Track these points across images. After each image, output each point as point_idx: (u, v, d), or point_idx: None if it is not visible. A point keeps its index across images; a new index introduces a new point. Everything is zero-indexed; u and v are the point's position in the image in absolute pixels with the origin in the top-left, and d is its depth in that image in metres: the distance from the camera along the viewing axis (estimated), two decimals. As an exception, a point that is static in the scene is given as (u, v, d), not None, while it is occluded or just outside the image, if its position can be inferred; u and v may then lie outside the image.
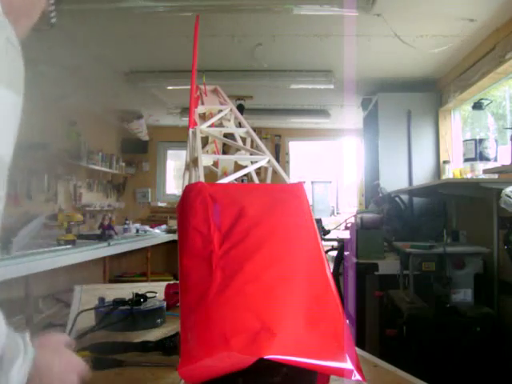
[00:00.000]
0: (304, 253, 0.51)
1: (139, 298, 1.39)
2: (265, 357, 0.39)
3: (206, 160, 0.69)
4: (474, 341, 2.10)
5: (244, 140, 0.88)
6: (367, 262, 2.76)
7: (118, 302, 1.38)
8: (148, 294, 1.46)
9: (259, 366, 0.39)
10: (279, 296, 0.46)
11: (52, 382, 0.69)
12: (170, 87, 4.28)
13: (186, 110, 5.29)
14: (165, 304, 1.45)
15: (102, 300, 1.43)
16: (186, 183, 0.67)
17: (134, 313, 1.34)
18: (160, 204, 6.56)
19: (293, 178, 6.11)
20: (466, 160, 2.70)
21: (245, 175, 0.71)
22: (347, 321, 0.48)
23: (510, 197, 1.82)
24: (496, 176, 2.37)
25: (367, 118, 4.48)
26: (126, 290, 1.76)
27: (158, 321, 1.40)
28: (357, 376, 0.42)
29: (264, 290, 0.46)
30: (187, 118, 0.95)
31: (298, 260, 0.50)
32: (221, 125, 0.95)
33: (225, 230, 0.51)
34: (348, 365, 0.42)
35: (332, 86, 4.03)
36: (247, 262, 0.48)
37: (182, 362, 0.42)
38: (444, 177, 3.55)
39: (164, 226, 5.74)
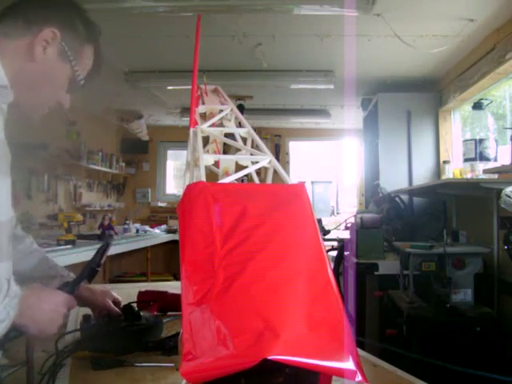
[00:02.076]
0: (306, 253, 0.51)
1: (132, 315, 1.19)
2: (268, 357, 0.39)
3: (207, 159, 0.69)
4: (474, 341, 2.10)
5: (245, 140, 0.88)
6: (367, 261, 2.76)
7: (107, 320, 1.19)
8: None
9: (262, 367, 0.39)
10: (282, 296, 0.45)
11: (43, 317, 0.87)
12: (170, 87, 4.28)
13: (186, 110, 5.29)
14: (163, 321, 1.25)
15: (87, 318, 1.22)
16: (187, 183, 0.67)
17: (126, 333, 1.14)
18: (160, 204, 6.56)
19: (293, 178, 6.11)
20: (466, 160, 2.70)
21: (245, 175, 0.71)
22: (348, 321, 0.48)
23: (509, 197, 1.82)
24: (496, 176, 2.37)
25: (367, 118, 4.49)
26: (126, 290, 1.76)
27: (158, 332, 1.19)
28: (359, 377, 0.42)
29: (267, 290, 0.46)
30: (187, 118, 0.95)
31: (300, 260, 0.50)
32: (221, 125, 0.95)
33: (227, 230, 0.51)
34: (350, 365, 0.42)
35: (332, 86, 4.03)
36: (250, 261, 0.48)
37: (184, 362, 0.42)
38: (444, 177, 3.55)
39: (164, 226, 5.74)
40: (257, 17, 2.82)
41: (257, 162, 0.70)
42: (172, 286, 1.72)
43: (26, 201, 4.15)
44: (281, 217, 0.54)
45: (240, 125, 0.92)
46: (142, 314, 1.21)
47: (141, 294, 1.46)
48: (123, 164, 6.31)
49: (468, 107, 3.36)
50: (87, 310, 1.30)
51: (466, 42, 3.04)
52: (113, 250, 3.96)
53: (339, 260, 3.12)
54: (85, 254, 3.32)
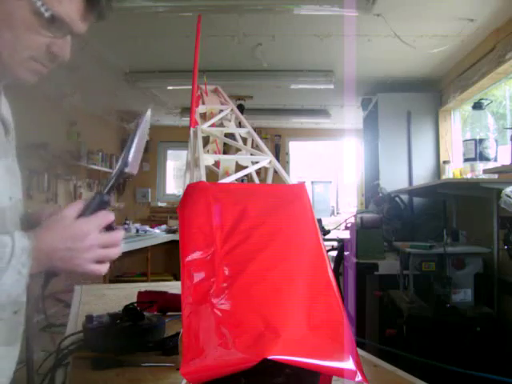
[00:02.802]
0: (306, 253, 0.51)
1: (133, 316, 1.17)
2: (269, 357, 0.39)
3: (207, 159, 0.69)
4: (474, 341, 2.10)
5: (245, 140, 0.88)
6: (367, 261, 2.76)
7: (111, 318, 1.16)
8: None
9: (262, 367, 0.39)
10: (282, 296, 0.45)
11: (63, 258, 0.74)
12: (170, 87, 4.28)
13: (186, 110, 5.29)
14: (165, 321, 1.23)
15: (89, 318, 1.17)
16: (188, 183, 0.67)
17: (129, 333, 1.13)
18: (160, 204, 6.57)
19: (293, 178, 6.12)
20: (466, 160, 2.70)
21: (245, 175, 0.71)
22: (348, 321, 0.48)
23: (510, 197, 1.82)
24: (496, 176, 2.37)
25: (367, 118, 4.49)
26: (126, 290, 1.76)
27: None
28: (359, 377, 0.42)
29: (268, 291, 0.46)
30: (187, 118, 0.95)
31: (300, 260, 0.50)
32: (221, 125, 0.95)
33: (227, 230, 0.51)
34: (350, 366, 0.42)
35: (332, 86, 4.03)
36: (250, 262, 0.48)
37: (184, 361, 0.42)
38: (444, 177, 3.55)
39: (164, 226, 5.74)
40: (257, 17, 2.82)
41: (257, 162, 0.70)
42: (172, 286, 1.72)
43: (26, 201, 4.15)
44: (281, 217, 0.54)
45: (240, 125, 0.92)
46: (144, 314, 1.20)
47: (140, 295, 1.45)
48: (123, 164, 6.31)
49: (468, 107, 3.36)
50: (88, 311, 1.30)
51: (466, 42, 3.04)
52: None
53: (339, 260, 3.12)
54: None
